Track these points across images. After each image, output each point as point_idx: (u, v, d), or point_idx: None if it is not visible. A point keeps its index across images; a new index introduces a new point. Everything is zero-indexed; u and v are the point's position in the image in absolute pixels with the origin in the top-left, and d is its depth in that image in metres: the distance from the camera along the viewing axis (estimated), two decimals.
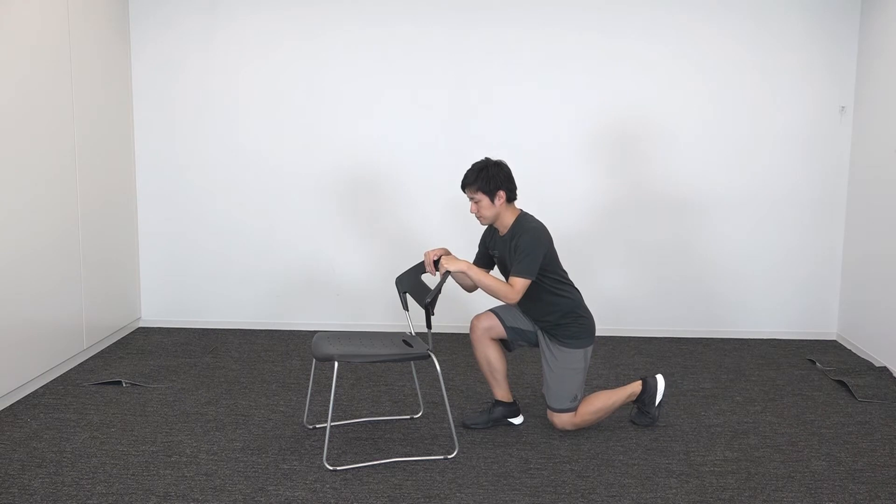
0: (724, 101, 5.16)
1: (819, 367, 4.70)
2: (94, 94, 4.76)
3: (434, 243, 4.96)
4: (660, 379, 3.76)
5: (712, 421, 3.86)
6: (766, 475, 3.28)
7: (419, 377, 4.22)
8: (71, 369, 4.52)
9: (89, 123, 4.69)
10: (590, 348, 3.62)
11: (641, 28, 5.11)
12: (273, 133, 5.29)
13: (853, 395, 4.20)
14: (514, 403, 3.75)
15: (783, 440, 3.64)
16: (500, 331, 3.64)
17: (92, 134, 4.73)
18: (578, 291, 3.64)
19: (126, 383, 4.29)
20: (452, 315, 5.14)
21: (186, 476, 3.20)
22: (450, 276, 3.47)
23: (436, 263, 3.49)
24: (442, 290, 3.39)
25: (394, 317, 5.33)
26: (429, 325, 3.40)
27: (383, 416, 3.89)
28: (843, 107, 5.13)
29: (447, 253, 3.52)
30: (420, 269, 3.64)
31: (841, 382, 4.41)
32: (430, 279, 3.64)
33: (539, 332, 3.64)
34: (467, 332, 3.71)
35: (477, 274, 3.41)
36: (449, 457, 3.41)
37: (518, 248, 3.43)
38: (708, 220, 5.26)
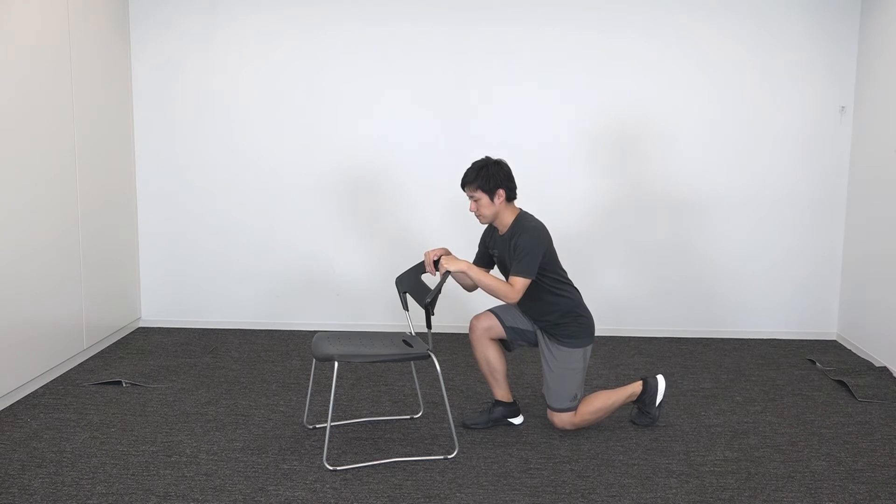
0: (724, 101, 5.16)
1: (819, 367, 4.70)
2: (94, 94, 4.76)
3: (434, 243, 4.96)
4: (660, 379, 3.76)
5: (712, 421, 3.86)
6: (766, 475, 3.28)
7: (419, 377, 4.22)
8: (71, 369, 4.52)
9: (89, 123, 4.69)
10: (589, 348, 3.62)
11: (641, 28, 5.11)
12: (273, 133, 5.29)
13: (853, 395, 4.20)
14: (514, 403, 3.76)
15: (783, 440, 3.64)
16: (500, 331, 3.64)
17: (92, 134, 4.73)
18: (578, 291, 3.64)
19: (126, 383, 4.29)
20: (452, 315, 5.14)
21: (186, 476, 3.21)
22: (450, 276, 3.47)
23: (436, 263, 3.49)
24: (442, 291, 3.39)
25: (394, 317, 5.33)
26: (429, 325, 3.40)
27: (383, 416, 3.89)
28: (843, 107, 5.13)
29: (447, 253, 3.52)
30: (420, 269, 3.64)
31: (841, 382, 4.41)
32: (430, 279, 3.64)
33: (538, 332, 3.64)
34: (467, 332, 3.71)
35: (477, 274, 3.41)
36: (449, 457, 3.41)
37: (517, 247, 3.43)
38: (708, 220, 5.26)
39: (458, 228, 5.09)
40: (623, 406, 3.87)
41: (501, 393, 3.72)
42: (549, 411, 3.63)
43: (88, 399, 4.07)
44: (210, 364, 4.68)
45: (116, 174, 5.10)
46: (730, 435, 3.69)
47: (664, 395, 3.75)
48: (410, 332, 3.67)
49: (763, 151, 5.19)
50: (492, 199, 3.47)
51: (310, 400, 3.88)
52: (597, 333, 5.17)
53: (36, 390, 4.17)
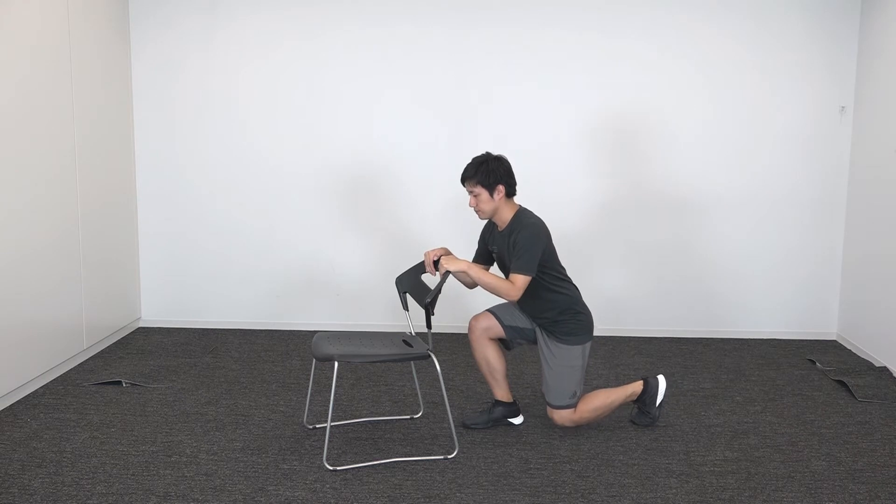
0: (724, 101, 5.16)
1: (819, 367, 4.70)
2: (94, 94, 4.76)
3: (434, 243, 4.96)
4: (661, 379, 3.76)
5: (712, 421, 3.86)
6: (766, 475, 3.28)
7: (419, 377, 4.22)
8: (71, 369, 4.52)
9: (89, 123, 4.69)
10: (588, 344, 3.61)
11: (641, 28, 5.11)
12: (273, 133, 5.29)
13: (853, 395, 4.20)
14: (514, 403, 3.75)
15: (783, 440, 3.64)
16: (499, 330, 3.64)
17: (92, 134, 4.73)
18: (576, 288, 3.64)
19: (126, 383, 4.29)
20: (452, 315, 5.14)
21: (186, 476, 3.21)
22: (450, 276, 3.47)
23: (436, 263, 3.49)
24: (442, 290, 3.39)
25: (394, 317, 5.33)
26: (429, 325, 3.40)
27: (383, 416, 3.89)
28: (843, 107, 5.13)
29: (447, 253, 3.52)
30: (420, 269, 3.64)
31: (841, 382, 4.41)
32: (430, 279, 3.64)
33: (537, 330, 3.64)
34: (467, 332, 3.70)
35: (477, 273, 3.41)
36: (449, 457, 3.41)
37: (517, 244, 3.43)
38: (708, 220, 5.26)
39: (458, 228, 5.09)
40: (623, 406, 3.87)
41: (501, 393, 3.72)
42: (548, 408, 3.63)
43: (88, 399, 4.07)
44: (210, 364, 4.68)
45: (116, 174, 5.10)
46: (730, 435, 3.69)
47: (664, 396, 3.75)
48: (410, 332, 3.67)
49: (763, 151, 5.19)
50: (491, 194, 3.47)
51: (310, 400, 3.87)
52: (597, 333, 5.18)
53: (36, 390, 4.17)
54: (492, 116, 5.20)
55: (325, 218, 5.35)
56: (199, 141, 5.31)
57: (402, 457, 3.40)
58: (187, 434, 3.63)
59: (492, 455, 3.44)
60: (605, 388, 4.09)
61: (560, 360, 3.56)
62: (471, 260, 3.79)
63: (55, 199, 4.35)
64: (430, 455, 3.42)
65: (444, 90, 5.20)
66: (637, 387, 3.73)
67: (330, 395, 3.32)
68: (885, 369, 4.57)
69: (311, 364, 4.01)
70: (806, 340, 5.29)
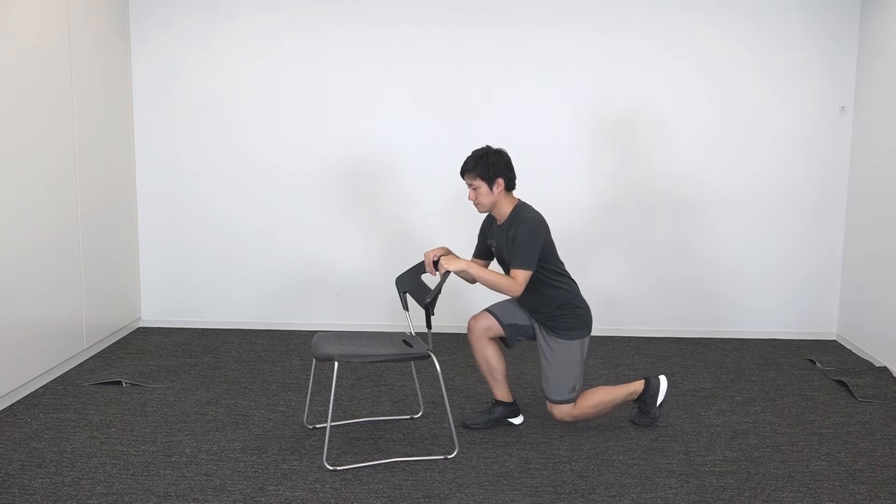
0: (724, 101, 5.16)
1: (819, 367, 4.70)
2: (94, 94, 4.76)
3: (434, 243, 4.96)
4: (663, 380, 3.76)
5: (712, 421, 3.86)
6: (766, 475, 3.28)
7: (419, 377, 4.22)
8: (71, 369, 4.52)
9: (89, 123, 4.69)
10: (587, 339, 3.61)
11: (641, 28, 5.11)
12: (273, 133, 5.29)
13: (853, 395, 4.20)
14: (514, 403, 3.75)
15: (783, 440, 3.64)
16: (498, 329, 3.64)
17: (92, 134, 4.73)
18: (575, 283, 3.63)
19: (126, 383, 4.29)
20: (452, 315, 5.14)
21: (186, 476, 3.21)
22: (450, 275, 3.47)
23: (435, 263, 3.48)
24: (442, 290, 3.39)
25: (394, 317, 5.33)
26: (429, 325, 3.40)
27: (383, 416, 3.89)
28: (843, 107, 5.13)
29: (447, 253, 3.52)
30: (420, 269, 3.64)
31: (841, 382, 4.41)
32: (430, 279, 3.64)
33: (536, 325, 3.63)
34: (466, 332, 3.70)
35: (478, 271, 3.41)
36: (449, 457, 3.41)
37: (516, 239, 3.43)
38: (708, 220, 5.26)
39: (458, 228, 5.09)
40: (623, 405, 3.87)
41: (501, 393, 3.72)
42: (548, 403, 3.62)
43: (88, 399, 4.07)
44: (210, 364, 4.68)
45: (116, 174, 5.10)
46: (730, 435, 3.69)
47: (665, 396, 3.75)
48: (410, 332, 3.67)
49: (763, 151, 5.19)
50: (491, 187, 3.47)
51: (310, 400, 3.87)
52: (597, 333, 5.21)
53: (36, 390, 4.17)
54: (492, 116, 5.20)
55: (325, 218, 5.35)
56: (199, 141, 5.31)
57: (402, 457, 3.40)
58: (187, 434, 3.63)
59: (492, 455, 3.44)
60: (606, 385, 4.10)
61: (559, 355, 3.55)
62: (471, 254, 3.80)
63: (55, 199, 4.35)
64: (430, 455, 3.42)
65: (444, 90, 5.20)
66: (638, 386, 3.72)
67: (330, 395, 3.32)
68: (885, 369, 4.57)
69: (311, 364, 4.01)
70: (806, 340, 5.29)
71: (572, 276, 3.65)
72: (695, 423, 3.83)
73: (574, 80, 5.16)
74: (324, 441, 3.42)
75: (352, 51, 5.20)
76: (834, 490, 3.15)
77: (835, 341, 5.28)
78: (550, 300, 3.55)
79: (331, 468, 3.28)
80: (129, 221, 5.29)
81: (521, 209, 3.52)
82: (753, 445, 3.57)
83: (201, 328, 5.44)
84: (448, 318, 5.12)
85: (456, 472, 3.27)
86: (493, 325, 3.63)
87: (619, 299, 5.34)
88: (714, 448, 3.54)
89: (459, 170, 3.53)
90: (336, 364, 3.27)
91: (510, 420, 3.76)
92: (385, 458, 3.38)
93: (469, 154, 3.54)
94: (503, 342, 3.71)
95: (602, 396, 3.64)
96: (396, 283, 3.68)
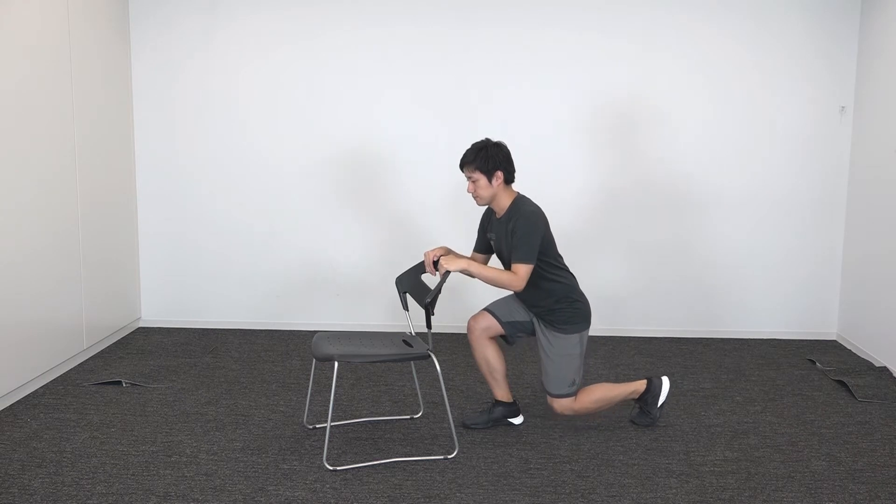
0: (724, 101, 5.16)
1: (819, 367, 4.70)
2: (94, 94, 4.76)
3: (434, 243, 4.96)
4: (665, 381, 3.75)
5: (712, 421, 3.86)
6: (766, 475, 3.28)
7: (419, 377, 4.22)
8: (71, 369, 4.52)
9: (89, 123, 4.69)
10: (585, 333, 3.60)
11: (641, 28, 5.11)
12: (273, 133, 5.29)
13: (853, 395, 4.20)
14: (514, 403, 3.75)
15: (783, 440, 3.64)
16: (498, 328, 3.64)
17: (92, 134, 4.73)
18: (574, 276, 3.62)
19: (126, 383, 4.29)
20: (452, 315, 5.13)
21: (186, 476, 3.20)
22: (450, 275, 3.47)
23: (435, 263, 3.48)
24: (442, 290, 3.39)
25: (394, 317, 5.33)
26: (429, 325, 3.40)
27: (383, 416, 3.89)
28: (843, 107, 5.13)
29: (447, 252, 3.52)
30: (420, 268, 3.64)
31: (841, 382, 4.41)
32: (430, 279, 3.64)
33: (534, 320, 3.63)
34: (466, 332, 3.70)
35: (478, 270, 3.41)
36: (449, 457, 3.41)
37: (515, 233, 3.42)
38: (708, 219, 5.26)
39: (458, 228, 5.09)
40: (623, 405, 3.87)
41: (501, 393, 3.72)
42: (548, 398, 3.61)
43: (88, 399, 4.07)
44: (210, 364, 4.68)
45: (116, 174, 5.10)
46: (730, 435, 3.69)
47: (666, 397, 3.74)
48: (410, 332, 3.67)
49: (763, 151, 5.19)
50: (490, 180, 3.46)
51: (310, 400, 3.87)
52: (597, 333, 5.22)
53: (36, 390, 4.17)
54: (492, 116, 5.20)
55: (326, 218, 5.35)
56: (199, 141, 5.31)
57: (402, 457, 3.40)
58: (187, 434, 3.63)
59: (492, 455, 3.44)
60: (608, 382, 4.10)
61: (558, 350, 3.55)
62: (472, 249, 3.79)
63: (55, 199, 4.35)
64: (430, 455, 3.42)
65: (444, 90, 5.20)
66: (640, 385, 3.72)
67: (330, 395, 3.32)
68: (885, 369, 4.57)
69: (311, 364, 4.01)
70: (806, 340, 5.29)
71: (570, 270, 3.64)
72: (695, 423, 3.83)
73: (574, 79, 5.16)
74: (324, 441, 3.42)
75: (352, 51, 5.20)
76: (834, 490, 3.15)
77: (835, 341, 5.28)
78: (549, 294, 3.54)
79: (331, 468, 3.28)
80: (129, 221, 5.29)
81: (520, 202, 3.52)
82: (753, 445, 3.57)
83: (201, 328, 5.44)
84: (448, 318, 5.12)
85: (456, 472, 3.27)
86: (492, 325, 3.63)
87: (619, 299, 5.34)
88: (714, 448, 3.54)
89: (459, 162, 3.52)
90: (336, 364, 3.27)
91: (510, 420, 3.76)
92: (385, 458, 3.38)
93: (468, 147, 3.53)
94: (504, 340, 3.71)
95: (604, 392, 3.63)
96: (396, 283, 3.68)
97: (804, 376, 4.55)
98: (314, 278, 5.41)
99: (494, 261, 3.75)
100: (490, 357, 3.64)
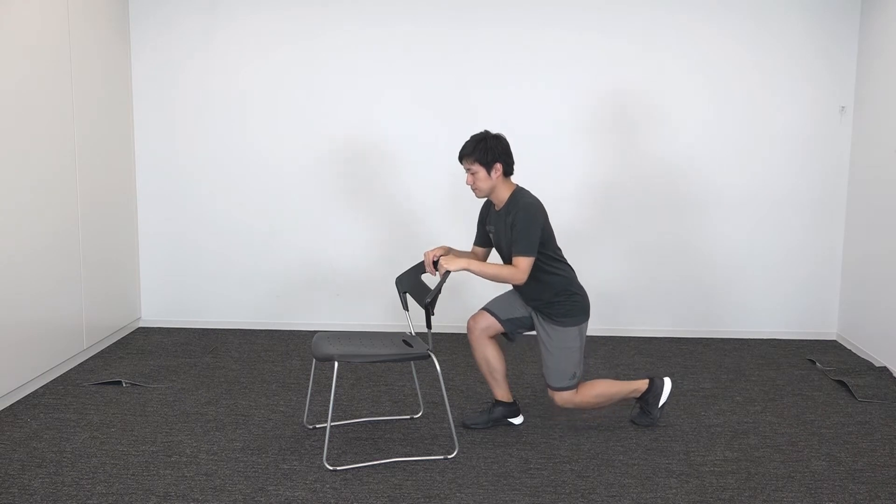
0: (724, 101, 5.16)
1: (819, 367, 4.70)
2: (94, 94, 4.76)
3: (434, 243, 4.96)
4: (667, 381, 3.75)
5: (712, 421, 3.86)
6: (766, 475, 3.28)
7: (419, 377, 4.22)
8: (71, 369, 4.52)
9: (89, 123, 4.69)
10: (585, 325, 3.59)
11: (641, 28, 5.11)
12: (273, 133, 5.29)
13: (853, 395, 4.20)
14: (514, 403, 3.75)
15: (783, 440, 3.64)
16: (498, 327, 3.64)
17: (92, 134, 4.73)
18: (572, 269, 3.61)
19: (126, 383, 4.29)
20: (452, 315, 5.13)
21: (186, 476, 3.20)
22: (450, 274, 3.47)
23: (435, 264, 3.48)
24: (442, 290, 3.39)
25: (394, 317, 5.33)
26: (429, 325, 3.40)
27: (383, 416, 3.89)
28: (843, 107, 5.13)
29: (447, 252, 3.52)
30: (420, 269, 3.64)
31: (841, 382, 4.41)
32: (430, 279, 3.63)
33: (533, 314, 3.62)
34: (466, 332, 3.70)
35: (479, 268, 3.40)
36: (449, 457, 3.41)
37: (515, 226, 3.41)
38: (708, 219, 5.26)
39: (458, 228, 5.09)
40: (625, 404, 3.87)
41: (501, 393, 3.72)
42: (549, 391, 3.60)
43: (88, 399, 4.07)
44: (210, 364, 4.68)
45: (116, 174, 5.10)
46: (730, 435, 3.69)
47: (667, 398, 3.74)
48: (410, 332, 3.67)
49: (763, 151, 5.19)
50: (489, 172, 3.45)
51: (310, 400, 3.87)
52: (597, 333, 5.22)
53: (36, 390, 4.17)
54: (492, 116, 5.19)
55: (326, 218, 5.35)
56: (199, 141, 5.31)
57: (402, 457, 3.40)
58: (187, 434, 3.63)
59: (492, 455, 3.44)
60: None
61: (557, 342, 3.54)
62: (472, 243, 3.78)
63: (55, 199, 4.35)
64: (430, 455, 3.42)
65: (444, 90, 5.20)
66: (642, 384, 3.72)
67: (330, 395, 3.32)
68: (885, 369, 4.57)
69: (311, 364, 4.01)
70: (806, 340, 5.29)
71: (569, 262, 3.63)
72: (695, 423, 3.83)
73: (574, 79, 5.16)
74: (324, 441, 3.42)
75: (352, 51, 5.20)
76: (834, 490, 3.15)
77: (835, 341, 5.28)
78: (548, 287, 3.53)
79: (331, 468, 3.28)
80: (129, 221, 5.29)
81: (519, 195, 3.50)
82: (753, 445, 3.57)
83: (201, 328, 5.44)
84: (448, 318, 5.12)
85: (456, 472, 3.27)
86: (492, 324, 3.63)
87: (619, 299, 5.34)
88: (714, 448, 3.54)
89: (458, 154, 3.51)
90: (336, 364, 3.27)
91: (510, 420, 3.76)
92: (385, 458, 3.38)
93: (467, 140, 3.52)
94: (505, 337, 3.71)
95: (605, 388, 3.63)
96: (396, 283, 3.68)
97: (804, 376, 4.55)
98: (314, 278, 5.41)
99: (495, 255, 3.74)
100: (490, 357, 3.64)
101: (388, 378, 4.44)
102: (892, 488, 3.17)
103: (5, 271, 3.90)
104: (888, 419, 3.89)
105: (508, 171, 3.51)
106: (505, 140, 3.51)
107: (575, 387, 3.57)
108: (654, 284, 5.34)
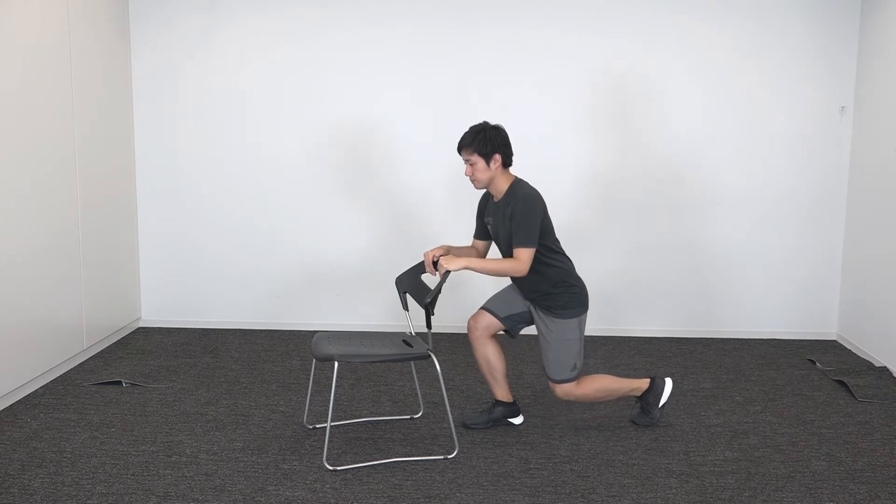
0: (724, 102, 5.16)
1: (819, 367, 4.70)
2: (94, 93, 4.76)
3: (434, 242, 4.95)
4: (668, 382, 3.75)
5: (712, 421, 3.86)
6: (766, 475, 3.28)
7: (419, 377, 4.22)
8: (71, 369, 4.52)
9: (89, 123, 4.69)
10: (584, 317, 3.58)
11: (641, 28, 5.11)
12: (273, 133, 5.29)
13: (853, 395, 4.20)
14: (514, 403, 3.75)
15: (783, 440, 3.64)
16: (498, 325, 3.64)
17: (92, 134, 4.73)
18: (570, 261, 3.61)
19: (126, 383, 4.29)
20: (452, 315, 5.13)
21: (186, 476, 3.20)
22: (450, 274, 3.46)
23: (435, 264, 3.48)
24: (442, 290, 3.39)
25: (394, 317, 5.33)
26: (429, 325, 3.40)
27: (383, 416, 3.89)
28: (843, 107, 5.13)
29: (447, 252, 3.52)
30: (420, 269, 3.64)
31: (841, 382, 4.41)
32: (430, 279, 3.63)
33: (532, 307, 3.61)
34: (466, 332, 3.70)
35: (479, 265, 3.40)
36: (449, 457, 3.41)
37: (514, 217, 3.40)
38: (708, 219, 5.26)
39: (458, 228, 5.08)
40: (625, 403, 3.87)
41: (501, 393, 3.72)
42: (550, 383, 3.59)
43: (88, 399, 4.07)
44: (210, 364, 4.68)
45: (116, 174, 5.10)
46: (730, 435, 3.69)
47: (668, 398, 3.74)
48: (410, 332, 3.67)
49: (763, 151, 5.19)
50: (488, 163, 3.44)
51: (310, 400, 3.87)
52: (597, 333, 5.22)
53: (36, 390, 4.17)
54: (491, 116, 5.15)
55: (326, 218, 5.35)
56: (199, 141, 5.31)
57: (402, 457, 3.40)
58: (187, 434, 3.63)
59: (492, 455, 3.44)
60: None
61: (556, 335, 3.53)
62: (472, 236, 3.78)
63: (55, 199, 4.35)
64: (430, 455, 3.42)
65: (444, 90, 5.20)
66: (643, 383, 3.72)
67: (330, 395, 3.32)
68: (885, 369, 4.57)
69: (311, 364, 4.01)
70: (806, 340, 5.29)
71: (567, 254, 3.62)
72: (695, 423, 3.83)
73: (573, 80, 5.16)
74: (324, 441, 3.42)
75: (352, 51, 5.20)
76: (834, 490, 3.15)
77: (835, 341, 5.28)
78: (546, 278, 3.51)
79: (331, 468, 3.28)
80: (129, 221, 5.29)
81: (518, 186, 3.49)
82: (753, 445, 3.57)
83: (201, 328, 5.44)
84: (448, 318, 5.11)
85: (456, 472, 3.27)
86: (492, 323, 3.63)
87: (619, 299, 5.34)
88: (714, 448, 3.54)
89: (456, 145, 3.50)
90: (336, 364, 3.27)
91: (510, 420, 3.76)
92: (385, 458, 3.38)
93: (466, 131, 3.51)
94: (507, 333, 3.70)
95: (607, 383, 3.63)
96: (396, 283, 3.68)
97: (804, 376, 4.55)
98: (314, 278, 5.41)
99: (494, 250, 3.74)
100: (491, 356, 3.64)
101: (388, 378, 4.44)
102: (892, 488, 3.17)
103: (5, 271, 3.90)
104: (888, 419, 3.89)
105: (507, 162, 3.50)
106: (504, 131, 3.50)
107: (576, 379, 3.56)
108: (654, 284, 5.34)
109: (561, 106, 5.19)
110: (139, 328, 5.44)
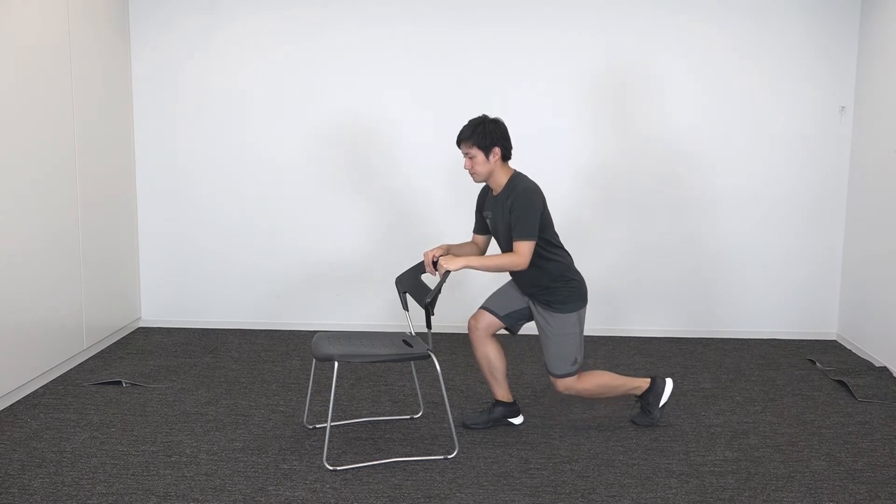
0: (724, 101, 5.16)
1: (819, 367, 4.70)
2: (94, 94, 4.76)
3: (434, 242, 4.95)
4: (668, 382, 3.75)
5: (712, 421, 3.86)
6: (766, 475, 3.28)
7: (419, 377, 4.22)
8: (71, 369, 4.52)
9: (89, 123, 4.69)
10: (583, 311, 3.57)
11: (641, 28, 5.11)
12: (273, 133, 5.29)
13: (853, 395, 4.20)
14: (514, 403, 3.75)
15: (783, 440, 3.64)
16: (498, 324, 3.64)
17: (92, 134, 4.73)
18: (569, 255, 3.60)
19: (126, 383, 4.29)
20: (452, 315, 5.13)
21: (186, 476, 3.20)
22: (450, 274, 3.46)
23: (435, 263, 3.48)
24: (442, 290, 3.39)
25: (394, 317, 5.33)
26: (429, 325, 3.40)
27: (383, 416, 3.89)
28: (843, 107, 5.13)
29: (446, 252, 3.52)
30: (420, 268, 3.64)
31: (841, 382, 4.41)
32: (430, 279, 3.63)
33: (531, 303, 3.61)
34: (467, 331, 3.70)
35: (479, 262, 3.40)
36: (449, 457, 3.41)
37: (514, 211, 3.39)
38: (708, 219, 5.26)
39: (458, 227, 5.08)
40: (626, 403, 3.87)
41: (501, 393, 3.72)
42: (551, 378, 3.59)
43: (88, 399, 4.07)
44: (210, 364, 4.68)
45: (116, 174, 5.10)
46: (730, 435, 3.69)
47: (668, 399, 3.74)
48: (410, 332, 3.67)
49: (763, 151, 5.19)
50: (487, 156, 3.44)
51: (310, 400, 3.87)
52: (597, 333, 5.22)
53: (36, 390, 4.17)
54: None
55: (325, 218, 5.35)
56: (199, 141, 5.31)
57: (402, 457, 3.40)
58: (187, 434, 3.63)
59: (492, 455, 3.44)
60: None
61: (556, 329, 3.53)
62: (471, 232, 3.78)
63: (55, 199, 4.35)
64: (430, 455, 3.42)
65: (444, 90, 5.20)
66: (644, 382, 3.72)
67: (330, 395, 3.32)
68: (885, 369, 4.57)
69: (311, 364, 4.01)
70: (806, 340, 5.29)
71: (566, 248, 3.61)
72: (695, 423, 3.83)
73: (574, 80, 5.16)
74: (324, 441, 3.42)
75: (352, 51, 5.20)
76: (834, 490, 3.15)
77: (835, 341, 5.28)
78: (545, 272, 3.51)
79: (331, 468, 3.28)
80: (129, 221, 5.29)
81: (518, 179, 3.49)
82: (753, 445, 3.57)
83: (201, 328, 5.44)
84: (448, 318, 5.11)
85: (456, 472, 3.27)
86: (492, 322, 3.63)
87: (619, 299, 5.34)
88: (714, 448, 3.54)
89: (456, 139, 3.49)
90: (336, 364, 3.27)
91: (510, 420, 3.76)
92: (385, 458, 3.38)
93: (465, 124, 3.51)
94: (508, 331, 3.70)
95: (608, 380, 3.63)
96: (396, 283, 3.68)
97: (804, 376, 4.55)
98: (314, 278, 5.41)
99: (493, 246, 3.74)
100: (491, 356, 3.64)
101: (388, 378, 4.44)
102: (892, 488, 3.17)
103: (5, 271, 3.90)
104: (888, 419, 3.89)
105: (507, 155, 3.49)
106: (503, 124, 3.49)
107: (576, 373, 3.56)
108: (654, 284, 5.34)
109: (561, 106, 5.19)
110: (139, 328, 5.44)
